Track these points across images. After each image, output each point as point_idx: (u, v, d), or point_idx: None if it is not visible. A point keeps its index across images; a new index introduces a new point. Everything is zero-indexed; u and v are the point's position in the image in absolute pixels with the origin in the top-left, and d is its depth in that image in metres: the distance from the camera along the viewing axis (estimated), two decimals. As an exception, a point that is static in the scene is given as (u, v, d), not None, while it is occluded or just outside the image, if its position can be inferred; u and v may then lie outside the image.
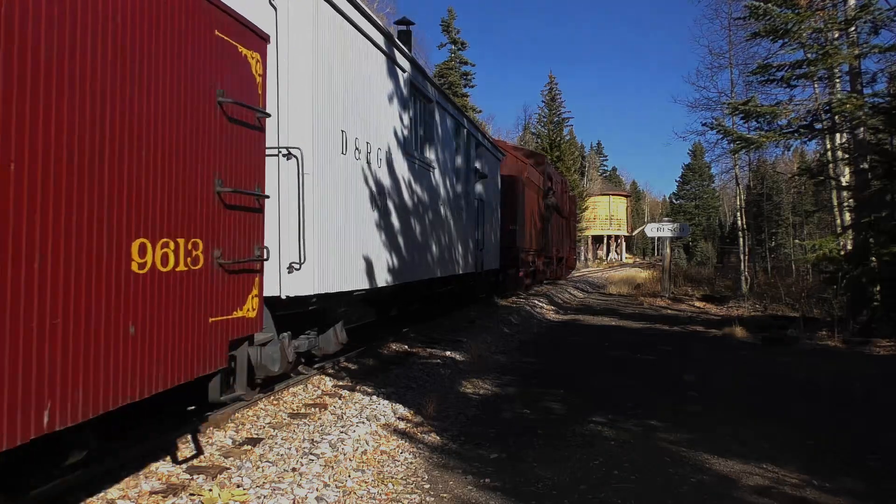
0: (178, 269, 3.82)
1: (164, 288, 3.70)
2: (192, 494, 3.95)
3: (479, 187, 14.08)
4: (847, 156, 16.36)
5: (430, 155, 10.33)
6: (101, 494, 3.94)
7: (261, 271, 4.87)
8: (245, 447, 4.98)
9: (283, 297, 5.95)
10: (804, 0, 14.50)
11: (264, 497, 3.99)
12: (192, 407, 5.62)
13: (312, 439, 5.16)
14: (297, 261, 5.95)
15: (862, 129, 14.70)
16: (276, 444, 5.05)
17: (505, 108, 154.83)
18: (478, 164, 14.08)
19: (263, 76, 4.83)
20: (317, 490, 4.17)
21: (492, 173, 15.39)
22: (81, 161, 3.10)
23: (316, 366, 7.83)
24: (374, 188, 7.70)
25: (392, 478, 4.63)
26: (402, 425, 5.90)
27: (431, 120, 10.30)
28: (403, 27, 10.91)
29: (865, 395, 8.11)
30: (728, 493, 4.57)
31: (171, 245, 3.76)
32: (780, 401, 7.63)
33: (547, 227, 23.69)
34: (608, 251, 78.62)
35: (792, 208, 38.83)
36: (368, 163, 7.53)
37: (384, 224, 8.08)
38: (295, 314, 6.41)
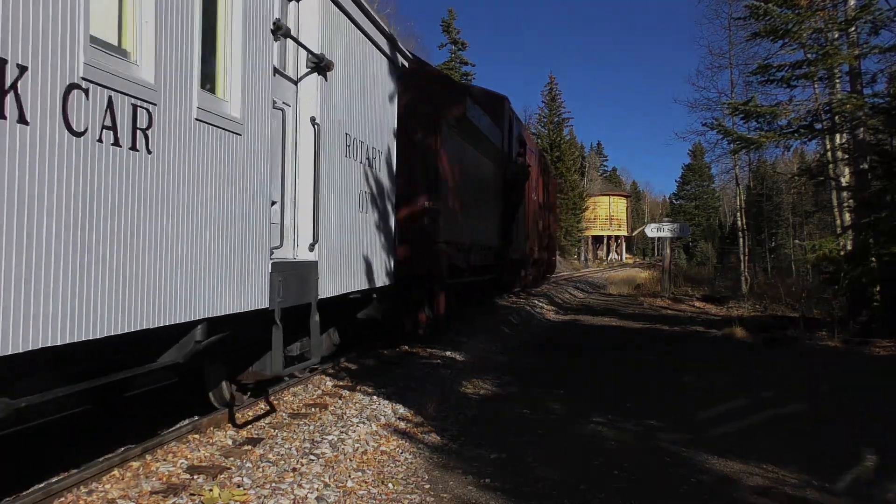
0: None
1: None
2: (192, 494, 3.95)
3: (300, 91, 5.87)
4: (847, 156, 16.37)
5: None
6: (102, 494, 3.94)
7: None
8: (245, 447, 4.98)
9: None
10: (804, 0, 14.51)
11: (265, 497, 3.99)
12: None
13: (313, 439, 5.16)
14: None
15: (862, 129, 14.71)
16: (276, 443, 5.06)
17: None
18: (296, 24, 5.81)
19: None
20: (317, 490, 4.17)
21: (363, 79, 7.09)
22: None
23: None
24: None
25: (392, 478, 4.63)
26: (402, 425, 5.90)
27: None
28: None
29: (865, 395, 8.11)
30: (728, 493, 4.57)
31: None
32: (780, 401, 7.63)
33: (514, 215, 15.72)
34: (608, 251, 78.67)
35: (792, 209, 38.82)
36: None
37: None
38: None
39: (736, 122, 19.12)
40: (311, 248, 5.74)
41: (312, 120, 5.77)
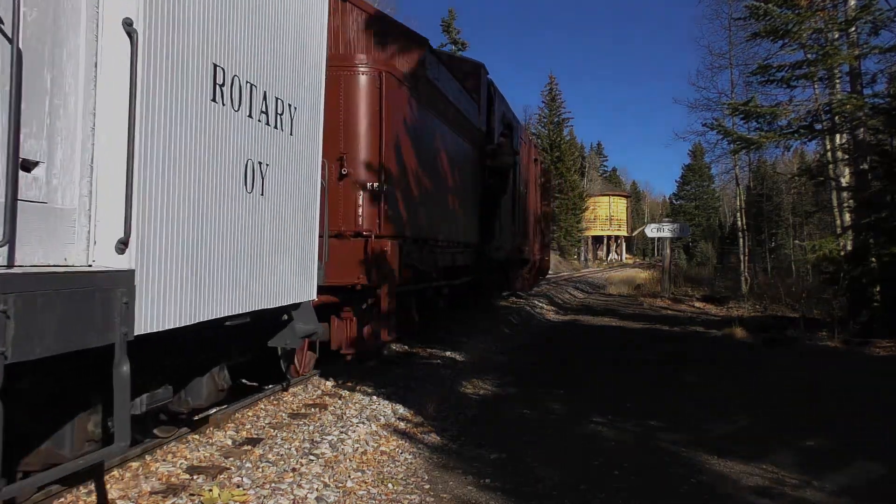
0: None
1: None
2: (192, 494, 3.95)
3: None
4: (847, 156, 16.37)
5: None
6: (102, 494, 3.94)
7: None
8: (245, 447, 4.98)
9: None
10: (804, 0, 14.51)
11: (264, 497, 3.99)
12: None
13: (312, 439, 5.16)
14: None
15: (862, 129, 14.71)
16: (276, 444, 5.06)
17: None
18: None
19: None
20: (317, 490, 4.17)
21: None
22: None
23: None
24: None
25: (392, 478, 4.63)
26: (402, 425, 5.90)
27: None
28: None
29: (865, 395, 8.11)
30: (728, 493, 4.57)
31: None
32: (779, 401, 7.63)
33: (497, 207, 13.39)
34: (608, 252, 78.66)
35: (792, 209, 38.82)
36: None
37: None
38: None
39: (736, 122, 19.16)
40: (122, 247, 3.38)
41: (127, 25, 3.39)
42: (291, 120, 5.26)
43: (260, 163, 4.74)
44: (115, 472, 4.25)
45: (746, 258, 27.80)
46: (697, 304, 22.10)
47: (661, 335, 13.77)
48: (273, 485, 4.17)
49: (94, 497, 3.90)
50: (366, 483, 4.44)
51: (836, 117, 15.37)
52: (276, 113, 5.00)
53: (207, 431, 5.29)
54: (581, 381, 8.60)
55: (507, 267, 16.00)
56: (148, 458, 4.57)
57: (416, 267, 8.65)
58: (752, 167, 32.10)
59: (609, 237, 78.55)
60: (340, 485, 4.34)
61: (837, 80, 16.02)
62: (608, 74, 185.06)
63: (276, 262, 5.01)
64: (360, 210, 7.23)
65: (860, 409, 7.35)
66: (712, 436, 5.97)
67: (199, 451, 4.85)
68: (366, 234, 7.21)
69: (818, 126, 16.24)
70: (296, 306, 5.51)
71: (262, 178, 4.77)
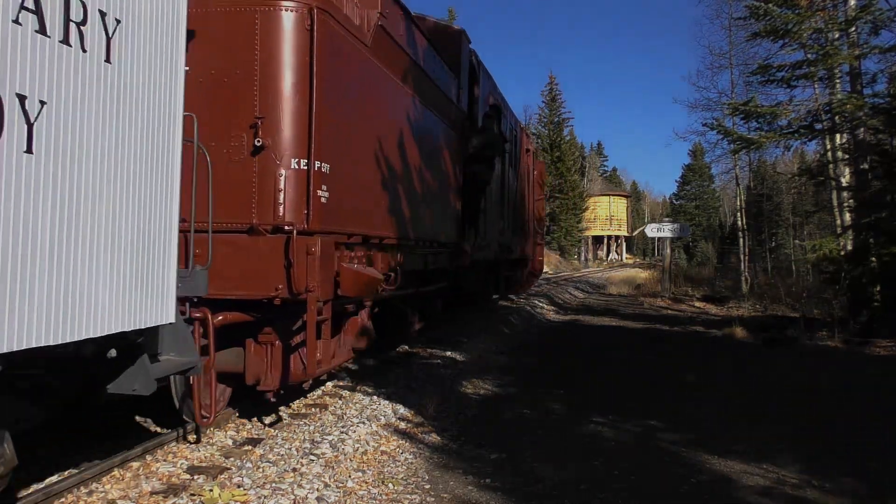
0: None
1: None
2: (192, 494, 3.95)
3: None
4: (847, 156, 16.38)
5: None
6: (102, 494, 3.95)
7: None
8: (246, 447, 4.98)
9: None
10: (804, 0, 14.52)
11: (265, 497, 4.00)
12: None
13: (313, 439, 5.16)
14: None
15: (862, 129, 14.72)
16: (276, 444, 5.06)
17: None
18: None
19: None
20: (317, 490, 4.17)
21: None
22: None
23: None
24: None
25: (392, 478, 4.63)
26: (402, 425, 5.90)
27: None
28: None
29: (865, 395, 8.11)
30: (728, 493, 4.57)
31: None
32: (779, 401, 7.63)
33: (480, 201, 11.36)
34: (608, 251, 78.68)
35: (792, 209, 38.76)
36: None
37: None
38: None
39: (736, 122, 19.16)
40: None
41: None
42: (107, 37, 3.39)
43: (21, 97, 2.84)
44: (116, 472, 4.25)
45: (746, 258, 27.79)
46: (698, 304, 22.10)
47: (661, 335, 13.77)
48: (273, 485, 4.18)
49: (94, 497, 3.90)
50: (366, 483, 4.44)
51: (836, 117, 15.38)
52: (66, 18, 3.09)
53: (208, 432, 5.29)
54: (581, 380, 8.60)
55: (495, 268, 14.10)
56: (148, 458, 4.57)
57: (368, 272, 6.55)
58: (752, 167, 32.09)
59: (609, 237, 78.56)
60: (341, 485, 4.35)
61: (837, 80, 16.03)
62: (608, 74, 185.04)
63: (68, 268, 3.13)
64: (282, 196, 5.25)
65: (860, 409, 7.35)
66: (712, 435, 5.97)
67: (199, 451, 4.85)
68: (288, 228, 5.17)
69: (818, 126, 16.25)
70: (141, 333, 3.80)
71: (30, 125, 2.90)
